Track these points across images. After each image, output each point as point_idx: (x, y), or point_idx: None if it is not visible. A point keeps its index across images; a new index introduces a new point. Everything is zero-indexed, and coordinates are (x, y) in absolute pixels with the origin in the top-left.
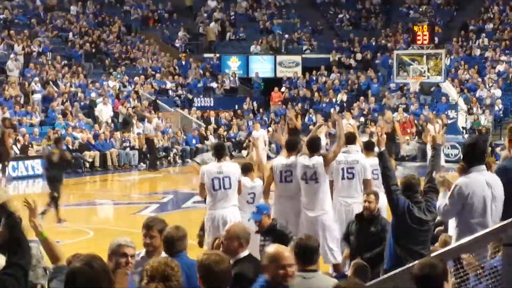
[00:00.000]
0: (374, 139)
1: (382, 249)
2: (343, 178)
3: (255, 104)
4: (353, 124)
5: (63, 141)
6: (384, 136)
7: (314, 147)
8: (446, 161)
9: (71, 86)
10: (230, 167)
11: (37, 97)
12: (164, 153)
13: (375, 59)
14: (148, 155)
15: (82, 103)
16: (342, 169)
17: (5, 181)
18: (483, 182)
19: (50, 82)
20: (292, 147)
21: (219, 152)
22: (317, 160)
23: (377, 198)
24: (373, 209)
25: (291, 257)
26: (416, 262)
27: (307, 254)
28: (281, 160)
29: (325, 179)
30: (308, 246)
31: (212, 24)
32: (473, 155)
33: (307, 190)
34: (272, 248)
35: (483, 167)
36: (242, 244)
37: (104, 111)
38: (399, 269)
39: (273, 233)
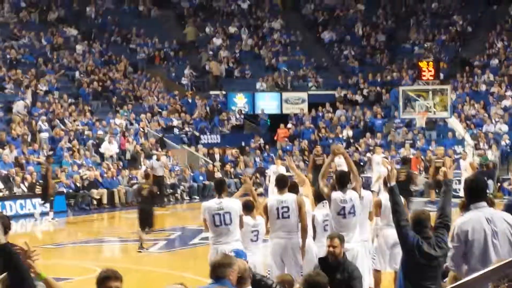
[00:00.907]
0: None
1: None
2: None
3: (261, 140)
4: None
5: (151, 177)
6: (395, 171)
7: (344, 181)
8: (453, 196)
9: (78, 124)
10: (231, 203)
11: (44, 135)
12: (171, 190)
13: (381, 95)
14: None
15: (89, 141)
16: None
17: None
18: (482, 219)
19: (57, 121)
20: (283, 184)
21: (218, 188)
22: (353, 194)
23: (342, 242)
24: (338, 254)
25: None
26: None
27: None
28: (276, 197)
29: (359, 211)
30: (316, 282)
31: (217, 63)
32: (473, 191)
33: (345, 224)
34: None
35: (483, 203)
36: (243, 281)
37: (110, 149)
38: None
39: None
